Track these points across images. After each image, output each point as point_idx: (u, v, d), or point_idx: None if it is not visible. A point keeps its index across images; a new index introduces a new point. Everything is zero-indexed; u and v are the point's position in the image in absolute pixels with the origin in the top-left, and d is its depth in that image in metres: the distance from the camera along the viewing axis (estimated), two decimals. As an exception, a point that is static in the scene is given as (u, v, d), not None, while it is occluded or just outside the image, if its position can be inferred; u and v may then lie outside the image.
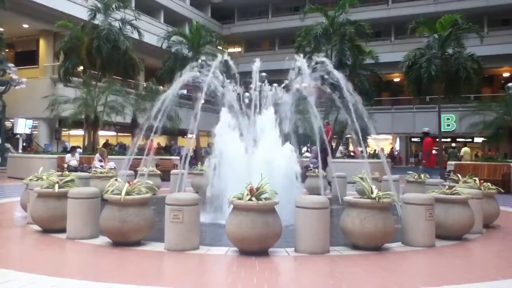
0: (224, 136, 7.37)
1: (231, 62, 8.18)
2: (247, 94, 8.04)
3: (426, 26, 18.38)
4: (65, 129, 26.26)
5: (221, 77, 7.82)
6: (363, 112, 7.20)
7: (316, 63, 7.94)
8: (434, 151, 10.36)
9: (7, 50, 24.10)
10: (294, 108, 8.24)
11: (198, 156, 21.40)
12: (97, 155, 12.64)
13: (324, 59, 7.92)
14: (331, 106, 18.28)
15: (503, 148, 20.99)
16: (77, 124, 20.21)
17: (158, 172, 11.79)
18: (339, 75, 7.38)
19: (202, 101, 7.62)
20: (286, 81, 8.08)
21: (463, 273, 4.43)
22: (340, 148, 22.22)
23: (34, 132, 25.14)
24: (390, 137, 37.77)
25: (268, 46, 42.69)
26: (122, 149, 24.07)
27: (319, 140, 8.83)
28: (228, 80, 7.91)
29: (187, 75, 7.92)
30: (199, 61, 9.30)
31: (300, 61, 7.85)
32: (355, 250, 5.24)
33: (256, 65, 8.00)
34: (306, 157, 14.47)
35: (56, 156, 15.51)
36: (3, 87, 20.69)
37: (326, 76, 7.71)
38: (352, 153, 23.97)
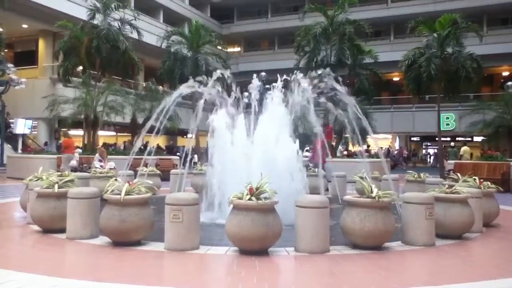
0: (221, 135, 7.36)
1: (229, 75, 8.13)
2: (246, 96, 8.04)
3: (426, 25, 18.36)
4: (65, 129, 26.18)
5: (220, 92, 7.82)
6: (362, 117, 7.19)
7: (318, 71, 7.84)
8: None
9: (6, 50, 24.03)
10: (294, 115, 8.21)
11: (197, 156, 21.38)
12: (97, 155, 12.62)
13: (324, 62, 7.86)
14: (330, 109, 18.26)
15: (503, 147, 21.01)
16: (76, 124, 20.18)
17: (158, 172, 11.79)
18: (341, 90, 7.36)
19: (202, 101, 7.62)
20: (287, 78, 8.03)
21: (463, 272, 4.44)
22: (340, 147, 22.18)
23: (34, 132, 25.09)
24: (389, 136, 37.76)
25: (268, 45, 42.68)
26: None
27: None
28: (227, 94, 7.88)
29: (185, 89, 7.92)
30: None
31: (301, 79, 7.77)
32: (355, 249, 5.24)
33: (255, 80, 8.03)
34: (306, 156, 14.44)
35: (55, 156, 15.49)
36: (3, 87, 20.64)
37: (326, 80, 7.60)
38: (345, 152, 23.67)
